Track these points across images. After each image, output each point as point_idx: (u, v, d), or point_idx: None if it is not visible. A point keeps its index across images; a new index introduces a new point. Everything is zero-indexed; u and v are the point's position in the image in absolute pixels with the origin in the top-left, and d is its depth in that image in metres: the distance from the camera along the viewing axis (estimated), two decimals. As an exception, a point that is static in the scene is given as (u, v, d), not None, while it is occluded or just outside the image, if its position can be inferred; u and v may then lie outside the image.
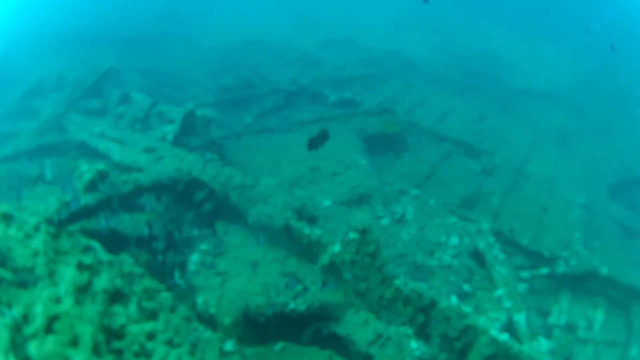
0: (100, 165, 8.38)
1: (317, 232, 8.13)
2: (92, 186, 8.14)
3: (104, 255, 5.08)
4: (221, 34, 23.03)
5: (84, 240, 5.18)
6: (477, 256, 9.40)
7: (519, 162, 13.55)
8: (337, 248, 7.44)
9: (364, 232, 7.12)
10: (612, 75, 23.15)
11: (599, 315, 9.46)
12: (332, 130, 12.29)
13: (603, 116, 18.97)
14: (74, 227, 7.59)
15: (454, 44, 23.74)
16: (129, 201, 8.68)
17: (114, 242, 7.86)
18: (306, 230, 8.19)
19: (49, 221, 6.65)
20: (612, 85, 21.87)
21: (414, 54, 20.85)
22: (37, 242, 4.72)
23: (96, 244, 5.33)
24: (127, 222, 8.68)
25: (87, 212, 7.92)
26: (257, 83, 15.82)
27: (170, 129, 10.69)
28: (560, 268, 9.68)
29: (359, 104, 14.54)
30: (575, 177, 13.96)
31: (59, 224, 6.95)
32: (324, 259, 7.57)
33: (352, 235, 7.25)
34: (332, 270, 7.52)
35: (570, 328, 8.96)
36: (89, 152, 11.27)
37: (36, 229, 4.87)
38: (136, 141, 10.74)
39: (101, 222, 7.87)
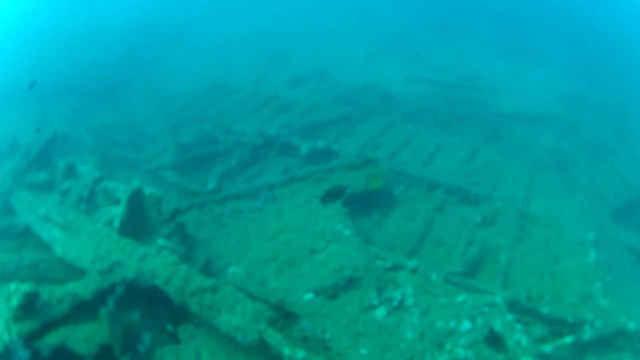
0: (26, 286, 6.90)
1: (300, 353, 6.51)
2: (23, 312, 6.83)
3: None
4: (187, 77, 21.57)
5: None
6: (493, 337, 7.86)
7: (521, 202, 12.07)
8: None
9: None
10: (600, 87, 22.00)
11: (625, 371, 8.12)
12: (307, 192, 10.83)
13: (596, 133, 17.71)
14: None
15: (432, 70, 22.38)
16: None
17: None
18: (286, 350, 6.56)
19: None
20: (600, 98, 20.66)
21: (391, 86, 19.43)
22: None
23: None
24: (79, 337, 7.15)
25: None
26: (220, 137, 14.24)
27: (117, 213, 9.07)
28: (587, 334, 8.25)
29: (335, 154, 12.99)
30: (580, 207, 12.56)
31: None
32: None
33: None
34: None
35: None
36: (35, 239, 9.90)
37: None
38: (80, 228, 9.18)
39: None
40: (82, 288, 7.46)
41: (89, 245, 8.73)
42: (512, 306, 8.52)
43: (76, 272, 8.57)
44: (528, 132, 16.98)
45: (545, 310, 8.56)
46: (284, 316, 7.67)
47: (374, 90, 18.91)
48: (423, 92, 19.44)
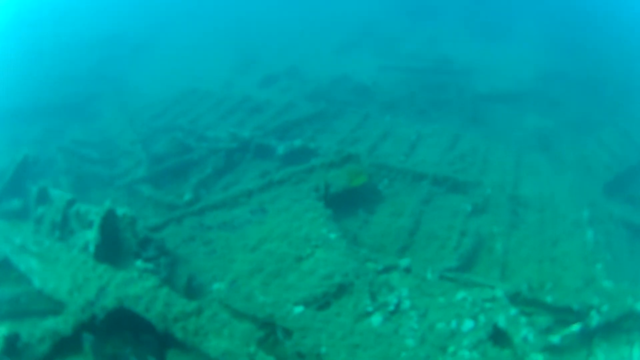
0: (4, 329, 6.67)
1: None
2: (7, 356, 6.53)
3: None
4: (157, 87, 20.95)
5: None
6: (498, 334, 7.42)
7: (511, 186, 11.70)
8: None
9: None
10: (577, 61, 21.64)
11: (635, 353, 7.67)
12: (287, 195, 10.36)
13: (579, 108, 17.42)
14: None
15: (404, 57, 21.96)
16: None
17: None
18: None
19: None
20: (579, 72, 20.34)
21: (364, 76, 19.01)
22: None
23: None
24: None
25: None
26: (193, 145, 13.69)
27: (91, 237, 8.55)
28: (594, 320, 7.76)
29: (313, 152, 12.46)
30: (571, 185, 12.22)
31: None
32: None
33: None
34: None
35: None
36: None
37: None
38: (56, 257, 8.59)
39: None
40: (62, 324, 7.03)
41: (66, 275, 8.16)
42: (514, 298, 8.07)
43: (58, 303, 8.05)
44: (510, 112, 16.65)
45: (548, 299, 8.10)
46: (273, 332, 7.21)
47: (347, 83, 18.49)
48: (398, 80, 19.03)
